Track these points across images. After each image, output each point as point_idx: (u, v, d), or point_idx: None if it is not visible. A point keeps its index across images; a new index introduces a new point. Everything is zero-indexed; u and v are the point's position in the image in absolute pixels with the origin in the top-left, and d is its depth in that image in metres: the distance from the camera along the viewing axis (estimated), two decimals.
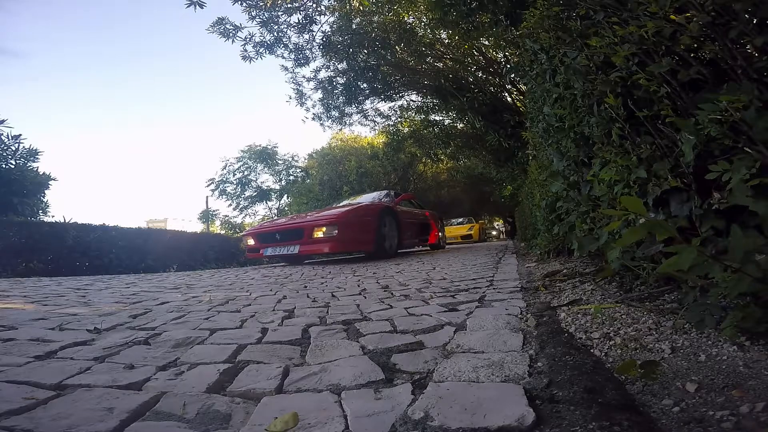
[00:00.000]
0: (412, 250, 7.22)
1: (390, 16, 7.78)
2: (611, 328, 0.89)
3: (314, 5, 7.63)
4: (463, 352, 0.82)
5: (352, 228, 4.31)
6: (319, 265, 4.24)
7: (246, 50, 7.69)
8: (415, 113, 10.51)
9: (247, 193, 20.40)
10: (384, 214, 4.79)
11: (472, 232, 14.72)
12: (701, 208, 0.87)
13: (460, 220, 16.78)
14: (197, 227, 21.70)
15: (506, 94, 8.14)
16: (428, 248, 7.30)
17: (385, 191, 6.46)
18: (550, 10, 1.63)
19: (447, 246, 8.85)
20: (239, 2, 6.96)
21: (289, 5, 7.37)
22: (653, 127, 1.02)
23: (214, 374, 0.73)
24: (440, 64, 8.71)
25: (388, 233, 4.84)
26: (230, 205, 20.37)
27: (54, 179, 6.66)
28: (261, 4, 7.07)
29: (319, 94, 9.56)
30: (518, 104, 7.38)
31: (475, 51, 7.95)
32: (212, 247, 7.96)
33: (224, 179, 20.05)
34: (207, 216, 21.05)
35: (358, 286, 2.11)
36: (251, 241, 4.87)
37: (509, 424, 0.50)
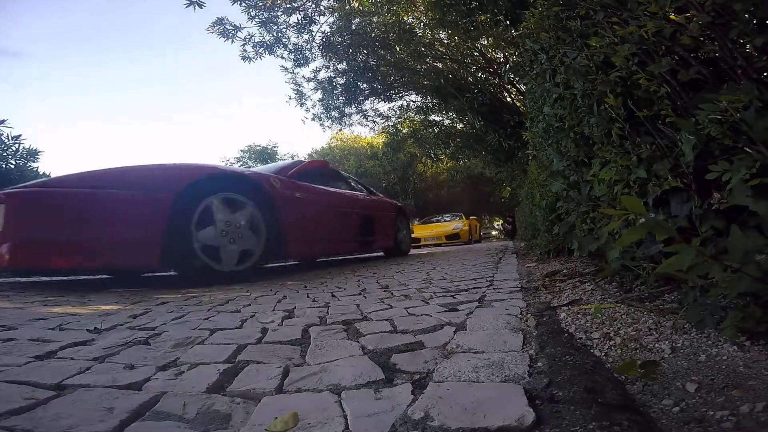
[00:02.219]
0: (356, 256, 5.25)
1: (389, 16, 7.80)
2: (611, 328, 0.89)
3: (313, 5, 7.65)
4: (463, 352, 0.81)
5: (61, 218, 1.97)
6: (319, 266, 4.23)
7: (245, 50, 7.73)
8: (415, 113, 10.54)
9: None
10: (214, 187, 2.35)
11: (459, 231, 11.02)
12: (701, 208, 0.87)
13: (446, 216, 13.00)
14: None
15: (506, 94, 8.15)
16: (382, 254, 5.09)
17: (289, 161, 3.91)
18: (550, 10, 1.63)
19: (437, 249, 7.55)
20: (238, 2, 6.98)
21: (288, 5, 7.39)
22: (653, 127, 1.02)
23: (214, 374, 0.73)
24: (440, 65, 8.74)
25: (233, 229, 2.42)
26: None
27: None
28: (260, 4, 7.09)
29: (318, 95, 9.62)
30: (518, 104, 7.39)
31: (475, 51, 7.97)
32: None
33: None
34: None
35: (358, 286, 2.11)
36: None
37: (509, 424, 0.50)
